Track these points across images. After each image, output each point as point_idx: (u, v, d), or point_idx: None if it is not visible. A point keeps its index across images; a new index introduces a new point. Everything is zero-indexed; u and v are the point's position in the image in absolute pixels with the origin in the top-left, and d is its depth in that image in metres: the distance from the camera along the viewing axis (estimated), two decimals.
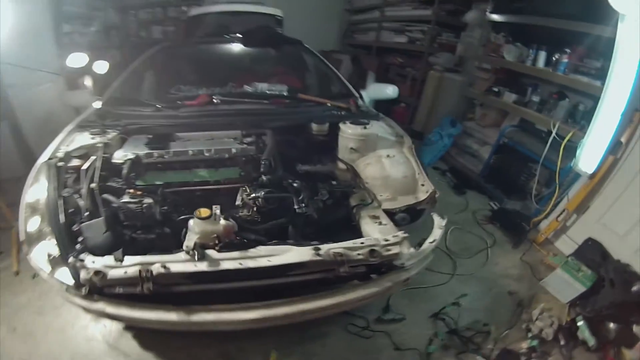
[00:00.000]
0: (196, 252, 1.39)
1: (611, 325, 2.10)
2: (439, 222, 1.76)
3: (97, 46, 4.50)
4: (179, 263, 1.38)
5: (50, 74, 3.43)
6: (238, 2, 4.63)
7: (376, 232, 1.67)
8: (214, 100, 2.40)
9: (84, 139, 1.98)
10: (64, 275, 1.37)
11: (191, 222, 1.52)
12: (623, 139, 2.41)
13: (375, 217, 1.77)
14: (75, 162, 1.82)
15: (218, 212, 1.52)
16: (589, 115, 2.84)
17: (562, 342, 2.07)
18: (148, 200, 1.66)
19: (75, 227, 1.54)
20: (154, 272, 1.33)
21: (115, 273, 1.34)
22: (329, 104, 2.48)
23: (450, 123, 4.06)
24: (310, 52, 3.22)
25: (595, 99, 2.77)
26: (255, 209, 1.73)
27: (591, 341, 2.04)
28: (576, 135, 2.75)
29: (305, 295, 1.49)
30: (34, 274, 1.47)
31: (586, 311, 2.19)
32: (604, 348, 2.05)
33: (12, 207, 2.57)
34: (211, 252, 1.44)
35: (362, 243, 1.52)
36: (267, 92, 2.53)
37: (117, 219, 1.66)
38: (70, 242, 1.47)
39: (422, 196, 1.84)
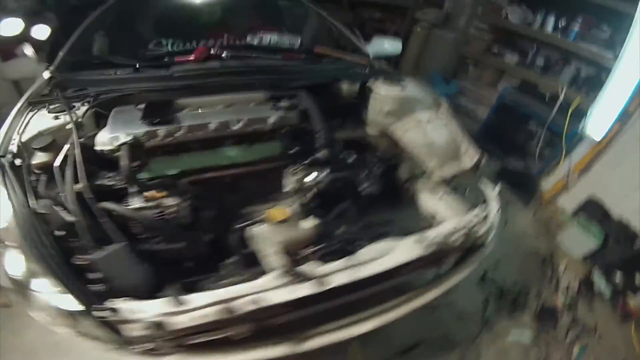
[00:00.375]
0: (296, 273, 1.13)
1: (618, 277, 2.34)
2: (492, 191, 1.67)
3: (32, 11, 3.54)
4: (273, 291, 1.11)
5: None
6: None
7: (443, 207, 1.57)
8: (221, 54, 1.79)
9: (44, 120, 1.40)
10: (99, 330, 1.04)
11: (260, 229, 1.23)
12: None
13: (434, 190, 1.66)
14: (41, 157, 1.28)
15: (296, 207, 1.29)
16: (590, 81, 3.02)
17: (583, 295, 2.33)
18: (172, 202, 1.25)
19: (79, 261, 1.10)
20: (244, 310, 1.05)
21: (181, 320, 1.02)
22: (348, 60, 2.11)
23: (444, 81, 4.04)
24: (299, 2, 2.74)
25: (599, 66, 2.94)
26: (314, 193, 1.46)
27: (607, 292, 2.30)
28: (582, 100, 2.87)
29: (414, 290, 1.41)
30: None
31: (598, 265, 2.45)
32: (615, 298, 2.30)
33: None
34: (310, 267, 1.17)
35: (454, 226, 1.39)
36: (279, 44, 2.09)
37: (137, 238, 1.23)
38: (77, 282, 1.05)
39: (469, 162, 1.69)
